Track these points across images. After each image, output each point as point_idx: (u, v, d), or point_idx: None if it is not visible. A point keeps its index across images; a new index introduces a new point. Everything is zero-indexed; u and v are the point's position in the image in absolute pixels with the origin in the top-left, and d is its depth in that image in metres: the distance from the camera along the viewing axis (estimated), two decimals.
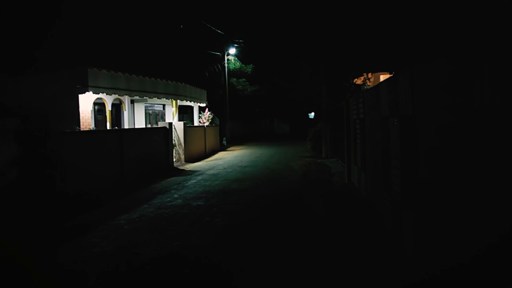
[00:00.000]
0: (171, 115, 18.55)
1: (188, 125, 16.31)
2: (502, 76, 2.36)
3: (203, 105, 21.49)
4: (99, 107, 15.54)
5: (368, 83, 18.31)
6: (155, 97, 15.71)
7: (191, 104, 19.96)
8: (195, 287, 3.90)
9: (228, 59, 28.35)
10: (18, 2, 17.02)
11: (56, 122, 9.80)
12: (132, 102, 18.08)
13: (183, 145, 15.19)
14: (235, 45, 28.41)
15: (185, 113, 25.85)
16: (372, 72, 17.88)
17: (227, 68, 28.00)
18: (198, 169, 13.04)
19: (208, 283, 3.98)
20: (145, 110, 19.43)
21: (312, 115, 25.69)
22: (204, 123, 19.46)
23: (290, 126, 40.78)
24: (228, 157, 17.11)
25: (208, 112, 19.83)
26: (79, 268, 4.43)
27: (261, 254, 4.68)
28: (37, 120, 7.17)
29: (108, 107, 15.66)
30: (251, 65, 31.00)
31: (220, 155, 18.52)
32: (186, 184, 10.01)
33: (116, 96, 13.97)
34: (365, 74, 18.00)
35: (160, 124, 13.64)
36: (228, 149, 22.30)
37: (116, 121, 17.24)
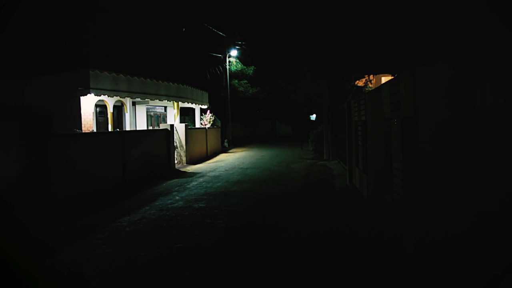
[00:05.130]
0: (172, 117, 18.58)
1: (189, 127, 16.32)
2: (504, 78, 2.36)
3: (205, 107, 21.52)
4: (100, 109, 15.58)
5: (370, 85, 18.28)
6: (156, 99, 15.75)
7: (193, 106, 19.99)
8: None
9: (229, 61, 28.37)
10: (19, 4, 17.08)
11: (58, 124, 9.82)
12: (134, 104, 18.12)
13: (184, 147, 15.20)
14: (237, 47, 28.43)
15: (186, 115, 25.88)
16: (374, 74, 17.84)
17: (229, 70, 28.02)
18: (200, 171, 13.05)
19: (209, 285, 3.98)
20: (147, 112, 19.46)
21: (313, 117, 25.67)
22: (205, 125, 19.48)
23: (292, 128, 40.75)
24: (230, 159, 17.11)
25: (210, 114, 19.85)
26: (81, 270, 4.43)
27: (262, 257, 4.68)
28: (39, 122, 7.18)
29: (110, 109, 15.69)
30: (253, 66, 31.00)
31: (222, 157, 18.53)
32: (187, 186, 10.01)
33: (118, 98, 13.99)
34: (366, 76, 17.97)
35: (162, 126, 13.66)
36: (230, 151, 22.31)
37: (117, 123, 17.27)
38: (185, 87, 17.82)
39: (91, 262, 4.64)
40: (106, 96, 12.88)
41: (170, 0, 25.16)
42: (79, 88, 11.77)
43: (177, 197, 8.48)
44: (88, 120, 13.47)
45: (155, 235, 5.65)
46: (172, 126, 13.61)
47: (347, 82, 17.24)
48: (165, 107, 20.83)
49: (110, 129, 15.55)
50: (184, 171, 13.15)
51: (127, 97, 14.05)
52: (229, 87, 27.73)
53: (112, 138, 10.17)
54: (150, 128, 19.27)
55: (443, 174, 3.26)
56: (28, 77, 13.05)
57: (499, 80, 2.40)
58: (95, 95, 12.23)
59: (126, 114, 16.76)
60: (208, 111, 20.39)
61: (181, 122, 19.19)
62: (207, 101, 22.03)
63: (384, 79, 17.34)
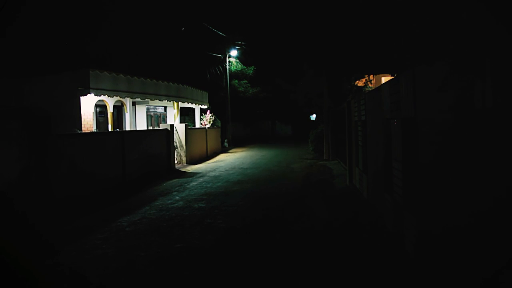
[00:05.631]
0: (172, 117, 18.58)
1: (189, 127, 16.32)
2: (504, 78, 2.36)
3: (205, 107, 21.52)
4: (100, 109, 15.58)
5: (370, 85, 18.29)
6: (156, 99, 15.74)
7: (193, 106, 19.99)
8: None
9: (229, 61, 28.38)
10: (19, 5, 17.08)
11: (58, 124, 9.83)
12: (134, 104, 18.11)
13: (184, 147, 15.20)
14: (237, 47, 28.44)
15: (186, 115, 25.88)
16: (374, 73, 17.85)
17: (229, 70, 28.03)
18: (200, 171, 13.05)
19: (209, 285, 3.98)
20: (147, 112, 19.46)
21: (313, 117, 25.72)
22: (205, 125, 19.48)
23: (292, 128, 40.76)
24: (230, 159, 17.11)
25: (210, 114, 19.86)
26: (80, 270, 4.44)
27: (262, 257, 4.68)
28: (39, 122, 7.18)
29: (110, 109, 15.69)
30: (253, 67, 31.01)
31: (222, 157, 18.53)
32: (187, 186, 10.01)
33: (118, 98, 13.99)
34: (366, 76, 17.98)
35: (162, 126, 13.66)
36: (230, 151, 22.31)
37: (117, 123, 17.27)
38: (185, 87, 17.82)
39: (91, 262, 4.64)
40: (106, 96, 12.87)
41: (170, 0, 25.14)
42: (79, 88, 11.76)
43: (177, 197, 8.48)
44: (88, 120, 13.46)
45: (155, 235, 5.65)
46: (172, 126, 13.61)
47: (347, 82, 17.25)
48: (165, 107, 20.83)
49: (110, 129, 15.54)
50: (184, 171, 13.15)
51: (127, 97, 14.05)
52: (229, 87, 27.73)
53: (112, 138, 10.17)
54: (150, 128, 19.27)
55: (443, 174, 3.26)
56: (28, 77, 13.03)
57: (498, 80, 2.40)
58: (95, 95, 12.22)
59: (126, 114, 16.76)
60: (208, 111, 20.39)
61: (181, 122, 19.18)
62: (207, 101, 22.03)
63: (384, 79, 17.34)
